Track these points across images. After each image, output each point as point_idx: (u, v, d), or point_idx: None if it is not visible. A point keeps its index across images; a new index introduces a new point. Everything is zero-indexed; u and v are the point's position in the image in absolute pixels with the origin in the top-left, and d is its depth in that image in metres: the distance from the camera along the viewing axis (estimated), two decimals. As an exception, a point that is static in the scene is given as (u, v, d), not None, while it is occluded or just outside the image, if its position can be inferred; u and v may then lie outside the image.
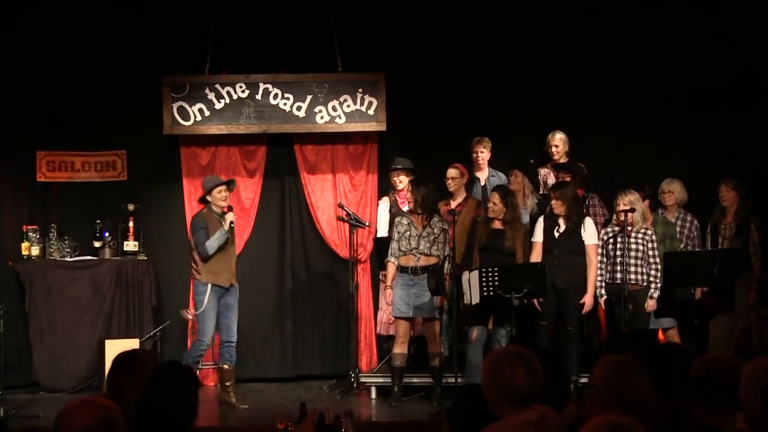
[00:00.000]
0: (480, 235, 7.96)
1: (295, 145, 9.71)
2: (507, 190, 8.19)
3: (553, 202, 7.94)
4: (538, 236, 8.02)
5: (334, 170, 9.71)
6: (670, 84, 9.42)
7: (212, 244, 7.82)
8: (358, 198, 9.70)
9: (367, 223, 9.05)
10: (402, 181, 8.71)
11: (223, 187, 7.98)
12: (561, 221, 7.95)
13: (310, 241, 9.74)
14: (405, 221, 8.07)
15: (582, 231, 7.93)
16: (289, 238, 9.70)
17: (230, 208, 8.05)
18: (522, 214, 8.35)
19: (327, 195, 9.70)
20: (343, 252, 9.45)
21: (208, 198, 8.02)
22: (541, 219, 8.08)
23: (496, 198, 7.95)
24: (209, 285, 7.88)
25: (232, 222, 7.92)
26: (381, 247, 8.60)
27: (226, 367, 8.02)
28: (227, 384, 8.04)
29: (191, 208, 9.48)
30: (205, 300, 7.84)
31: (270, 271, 9.15)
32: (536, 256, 7.94)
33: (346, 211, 8.92)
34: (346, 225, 9.02)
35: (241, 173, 9.61)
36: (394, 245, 8.09)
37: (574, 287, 7.91)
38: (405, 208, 8.41)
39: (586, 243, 7.94)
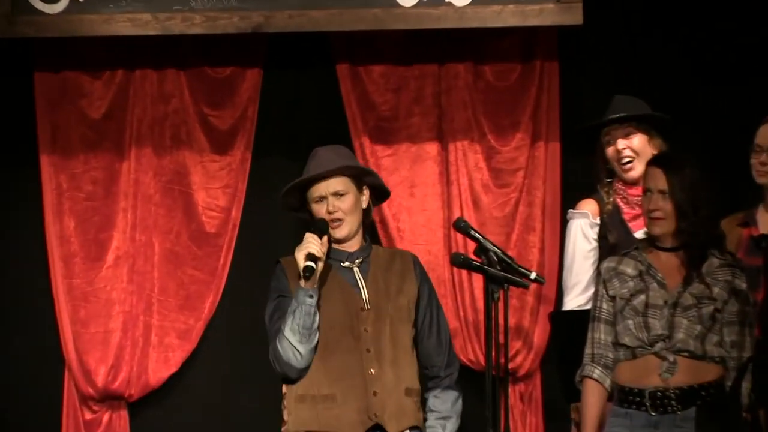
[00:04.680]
0: None
1: (339, 65, 6.51)
2: None
3: None
4: None
5: (443, 133, 6.49)
6: None
7: (283, 348, 5.20)
8: (509, 206, 6.47)
9: (534, 275, 5.34)
10: (637, 153, 5.77)
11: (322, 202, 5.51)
12: None
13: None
14: (630, 269, 5.12)
15: None
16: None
17: (311, 258, 5.17)
18: None
19: (424, 195, 6.47)
20: (470, 352, 6.35)
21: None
22: None
23: None
24: None
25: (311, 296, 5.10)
26: (572, 334, 5.82)
27: None
28: None
29: (60, 222, 6.62)
30: None
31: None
32: None
33: (477, 239, 5.20)
34: (477, 278, 6.07)
35: (199, 143, 6.53)
36: (599, 334, 5.32)
37: None
38: (640, 233, 5.26)
39: None
